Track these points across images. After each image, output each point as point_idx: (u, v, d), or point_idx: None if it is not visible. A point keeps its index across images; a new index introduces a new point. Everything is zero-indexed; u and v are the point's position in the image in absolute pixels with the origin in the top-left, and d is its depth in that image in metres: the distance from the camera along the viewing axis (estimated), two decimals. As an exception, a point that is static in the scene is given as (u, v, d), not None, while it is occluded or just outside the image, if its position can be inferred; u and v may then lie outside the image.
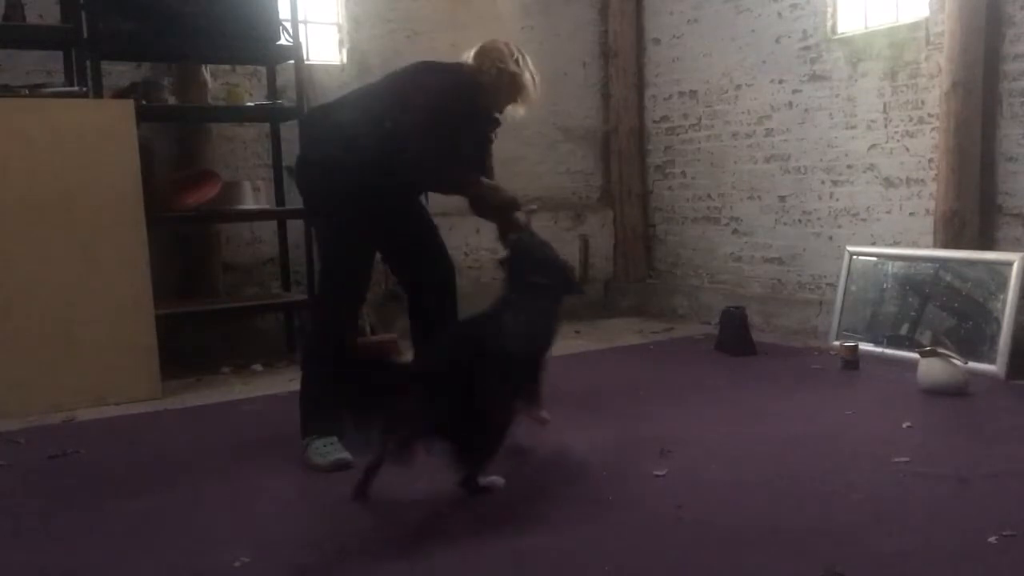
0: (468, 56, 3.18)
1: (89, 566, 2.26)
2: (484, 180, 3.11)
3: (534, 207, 3.40)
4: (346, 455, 2.93)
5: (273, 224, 5.04)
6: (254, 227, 5.14)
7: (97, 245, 3.91)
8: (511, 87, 3.11)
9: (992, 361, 3.92)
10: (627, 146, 6.26)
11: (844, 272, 4.73)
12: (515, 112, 3.19)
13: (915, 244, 4.58)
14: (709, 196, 5.82)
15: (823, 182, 5.07)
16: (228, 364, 4.65)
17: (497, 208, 3.11)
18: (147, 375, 4.03)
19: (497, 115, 3.21)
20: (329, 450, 2.94)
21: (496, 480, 2.65)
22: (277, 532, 2.45)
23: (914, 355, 3.85)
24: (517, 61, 3.13)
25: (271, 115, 4.86)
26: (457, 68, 3.14)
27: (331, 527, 2.48)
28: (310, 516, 2.59)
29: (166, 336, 4.20)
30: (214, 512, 2.60)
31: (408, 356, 3.45)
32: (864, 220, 4.87)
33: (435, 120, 2.95)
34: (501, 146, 5.90)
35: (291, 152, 4.92)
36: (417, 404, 2.45)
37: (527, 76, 3.12)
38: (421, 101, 2.96)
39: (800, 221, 5.23)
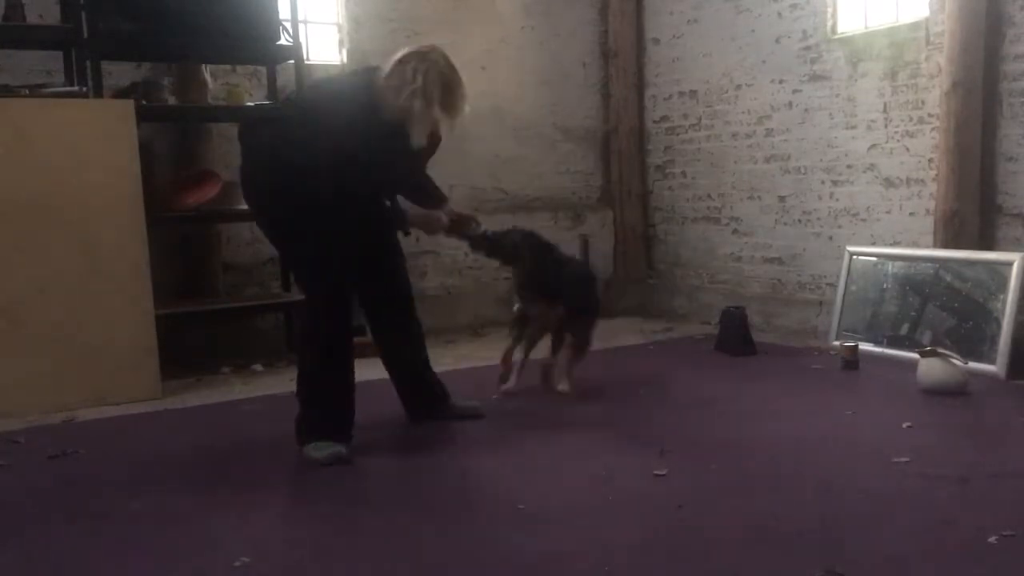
0: (391, 73, 2.99)
1: (89, 566, 2.27)
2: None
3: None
4: (342, 448, 2.98)
5: (273, 224, 5.03)
6: (254, 227, 5.10)
7: (97, 245, 3.91)
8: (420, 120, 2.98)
9: (992, 361, 3.92)
10: (627, 146, 6.26)
11: (844, 272, 4.73)
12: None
13: (915, 244, 4.58)
14: (709, 196, 5.82)
15: (823, 182, 5.07)
16: (228, 364, 4.65)
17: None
18: (147, 375, 4.03)
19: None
20: (326, 444, 2.99)
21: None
22: (277, 532, 2.45)
23: (914, 355, 3.85)
24: (427, 97, 2.94)
25: (271, 115, 4.86)
26: (369, 109, 2.97)
27: (331, 527, 2.48)
28: (310, 516, 2.58)
29: (166, 336, 4.20)
30: (214, 512, 2.60)
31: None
32: (864, 220, 4.87)
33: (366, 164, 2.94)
34: (501, 146, 5.99)
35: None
36: None
37: (434, 111, 2.96)
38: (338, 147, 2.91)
39: (800, 221, 5.23)
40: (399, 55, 3.01)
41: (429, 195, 3.46)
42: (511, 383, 3.84)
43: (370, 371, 3.61)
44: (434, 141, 3.25)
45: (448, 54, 3.07)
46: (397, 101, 2.93)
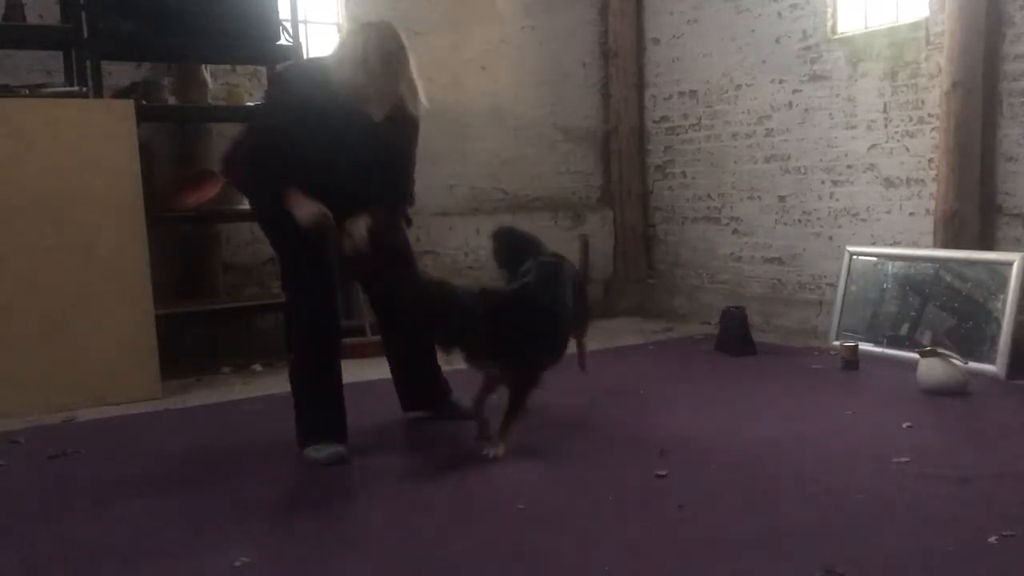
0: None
1: (89, 566, 2.26)
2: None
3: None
4: (341, 448, 3.00)
5: (273, 224, 5.04)
6: (254, 227, 5.11)
7: (97, 245, 3.91)
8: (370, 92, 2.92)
9: (992, 361, 3.92)
10: (627, 146, 6.26)
11: (844, 272, 4.73)
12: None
13: (915, 244, 4.58)
14: (709, 196, 5.82)
15: (823, 182, 5.07)
16: (228, 364, 4.65)
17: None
18: (147, 375, 4.03)
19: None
20: (325, 445, 3.00)
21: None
22: (277, 532, 2.45)
23: (914, 355, 3.85)
24: (368, 66, 2.85)
25: (271, 115, 4.85)
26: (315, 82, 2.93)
27: (331, 527, 2.48)
28: (310, 516, 2.58)
29: (166, 336, 4.20)
30: (214, 512, 2.60)
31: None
32: (864, 220, 4.87)
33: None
34: (501, 146, 5.99)
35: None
36: None
37: (379, 80, 2.88)
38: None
39: (800, 221, 5.23)
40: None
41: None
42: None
43: (370, 371, 3.62)
44: (411, 125, 3.12)
45: (397, 28, 2.96)
46: (343, 76, 2.87)
